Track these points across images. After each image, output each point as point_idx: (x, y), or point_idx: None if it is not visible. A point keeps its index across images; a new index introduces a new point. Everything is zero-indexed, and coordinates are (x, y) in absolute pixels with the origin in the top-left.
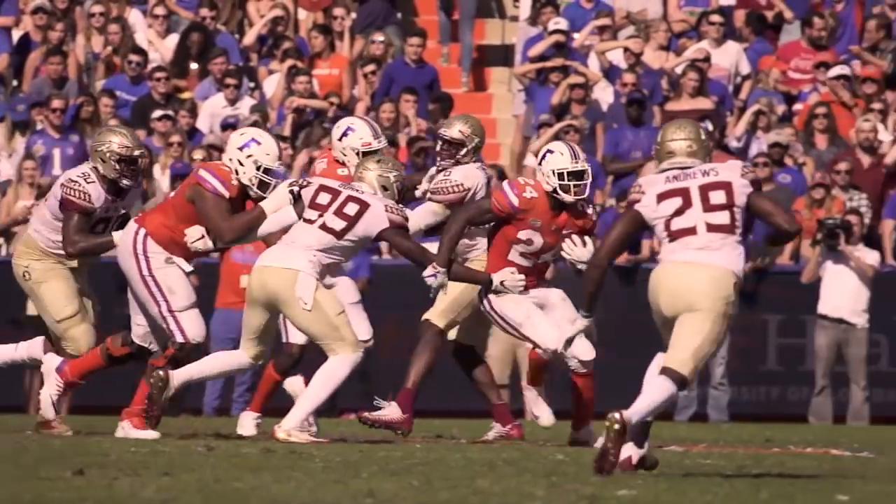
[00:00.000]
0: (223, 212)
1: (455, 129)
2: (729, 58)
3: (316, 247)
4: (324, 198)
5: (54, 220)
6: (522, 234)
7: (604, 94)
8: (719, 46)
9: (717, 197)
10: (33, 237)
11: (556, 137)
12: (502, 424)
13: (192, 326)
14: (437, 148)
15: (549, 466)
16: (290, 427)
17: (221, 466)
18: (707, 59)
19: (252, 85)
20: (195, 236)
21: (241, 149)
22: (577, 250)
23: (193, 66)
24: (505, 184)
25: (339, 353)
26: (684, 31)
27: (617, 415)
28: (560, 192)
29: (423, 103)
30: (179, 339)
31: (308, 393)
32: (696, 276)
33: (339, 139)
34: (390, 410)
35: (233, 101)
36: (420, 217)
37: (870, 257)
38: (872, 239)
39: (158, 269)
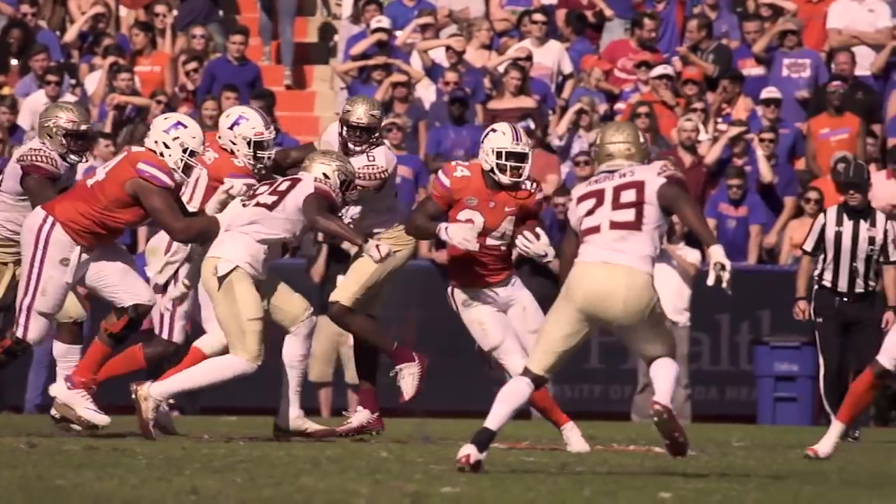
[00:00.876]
0: (173, 207)
1: (367, 115)
2: (551, 57)
3: (247, 221)
4: (262, 188)
5: (14, 203)
6: (462, 216)
7: (426, 93)
8: (542, 45)
9: (628, 195)
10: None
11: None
12: (371, 411)
13: (35, 330)
14: (346, 134)
15: (373, 464)
16: (156, 392)
17: (44, 463)
18: (529, 57)
19: (73, 82)
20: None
21: (166, 132)
22: (533, 246)
23: (14, 62)
24: (439, 171)
25: (236, 356)
26: (506, 29)
27: (659, 406)
28: (497, 171)
29: (244, 100)
30: (20, 334)
31: (188, 373)
32: (616, 287)
33: (230, 128)
34: (358, 416)
35: (54, 98)
36: None
37: (691, 256)
38: (693, 238)
39: (48, 266)
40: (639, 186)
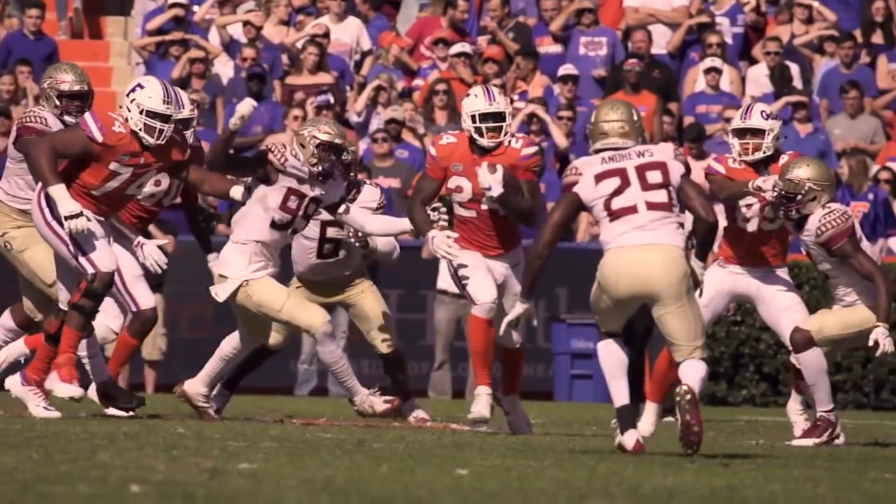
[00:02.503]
0: (60, 137)
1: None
2: (349, 33)
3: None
4: None
5: (20, 172)
6: (451, 183)
7: (224, 69)
8: (340, 22)
9: (654, 177)
10: (7, 203)
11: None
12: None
13: (101, 257)
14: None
15: (170, 440)
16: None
17: None
18: (327, 34)
19: None
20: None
21: (128, 95)
22: (485, 177)
23: None
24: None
25: (312, 335)
26: (304, 6)
27: (685, 386)
28: (475, 135)
29: (39, 75)
30: (90, 269)
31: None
32: (653, 263)
33: (127, 94)
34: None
35: None
36: None
37: None
38: None
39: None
40: (663, 168)
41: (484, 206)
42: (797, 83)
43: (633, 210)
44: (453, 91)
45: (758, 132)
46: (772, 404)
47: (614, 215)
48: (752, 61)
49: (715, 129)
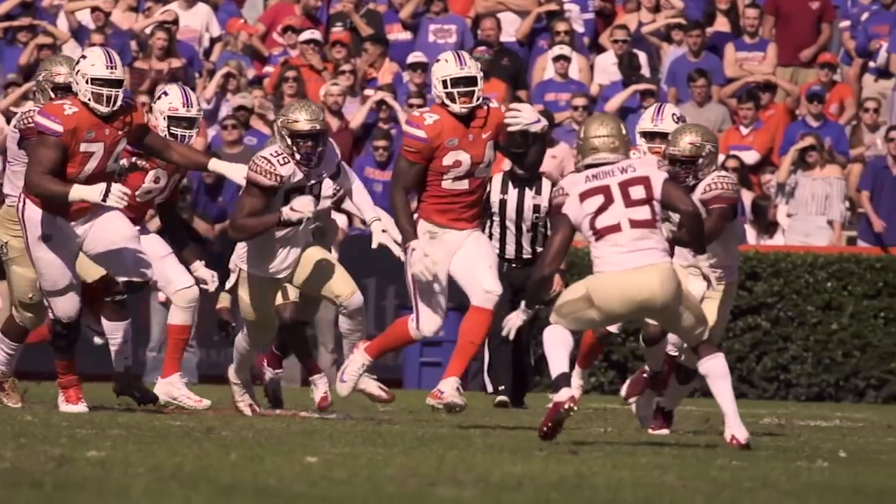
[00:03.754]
0: (40, 158)
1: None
2: (199, 20)
3: None
4: None
5: (19, 168)
6: (447, 160)
7: (73, 55)
8: (190, 8)
9: (637, 192)
10: (11, 206)
11: (25, 97)
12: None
13: (59, 308)
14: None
15: (18, 428)
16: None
17: None
18: (176, 20)
19: None
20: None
21: (73, 68)
22: (521, 115)
23: None
24: (404, 126)
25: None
26: None
27: (736, 444)
28: (447, 101)
29: None
30: (50, 315)
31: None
32: (653, 285)
33: (154, 102)
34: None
35: None
36: None
37: (339, 220)
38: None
39: (32, 247)
40: (646, 183)
41: (478, 174)
42: (645, 71)
43: (616, 228)
44: (303, 78)
45: (472, 80)
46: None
47: (599, 234)
48: (600, 49)
49: (564, 117)
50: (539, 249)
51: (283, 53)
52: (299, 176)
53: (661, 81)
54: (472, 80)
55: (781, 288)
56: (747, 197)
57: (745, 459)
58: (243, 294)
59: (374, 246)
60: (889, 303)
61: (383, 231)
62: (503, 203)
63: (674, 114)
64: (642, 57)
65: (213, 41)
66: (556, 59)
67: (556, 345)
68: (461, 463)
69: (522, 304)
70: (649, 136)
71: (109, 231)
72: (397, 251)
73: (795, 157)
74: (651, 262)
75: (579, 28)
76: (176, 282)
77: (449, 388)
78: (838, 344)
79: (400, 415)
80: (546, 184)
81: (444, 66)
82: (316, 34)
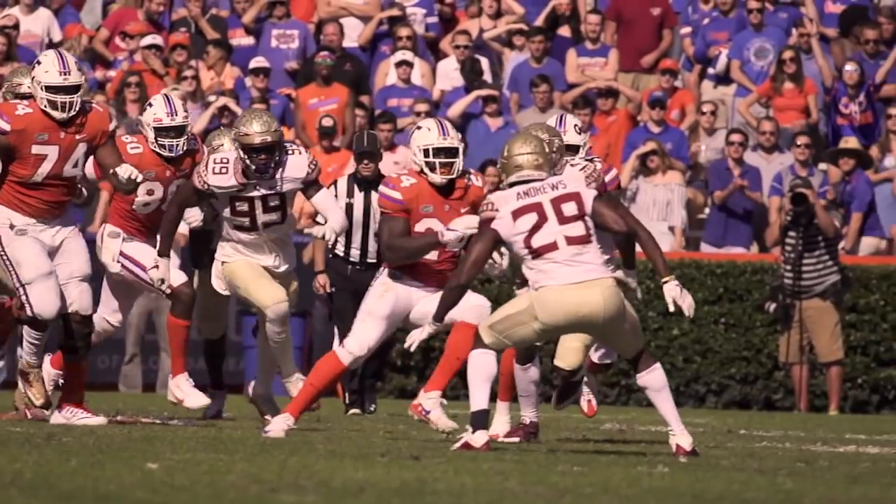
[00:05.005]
0: None
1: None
2: (40, 24)
3: None
4: None
5: None
6: (420, 227)
7: None
8: (31, 13)
9: (570, 209)
10: None
11: None
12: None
13: (39, 301)
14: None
15: None
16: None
17: None
18: (16, 25)
19: None
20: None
21: (32, 77)
22: (498, 267)
23: None
24: (380, 188)
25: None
26: None
27: (683, 453)
28: (427, 170)
29: None
30: (29, 312)
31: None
32: (595, 301)
33: (141, 114)
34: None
35: None
36: None
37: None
38: None
39: (8, 244)
40: (577, 199)
41: (449, 249)
42: (487, 77)
43: (553, 247)
44: (145, 83)
45: (572, 148)
46: (462, 397)
47: (536, 253)
48: (442, 55)
49: (406, 123)
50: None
51: (128, 58)
52: (234, 185)
53: (503, 87)
54: (453, 152)
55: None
56: None
57: (585, 465)
58: (231, 275)
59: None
60: (730, 308)
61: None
62: (349, 206)
63: (576, 125)
64: (484, 62)
65: (54, 46)
66: (399, 64)
67: (481, 377)
68: (303, 469)
69: (430, 315)
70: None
71: (72, 262)
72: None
73: (637, 162)
74: (593, 277)
75: (422, 29)
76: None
77: (433, 405)
78: (679, 349)
79: (242, 421)
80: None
81: (425, 134)
82: (158, 39)
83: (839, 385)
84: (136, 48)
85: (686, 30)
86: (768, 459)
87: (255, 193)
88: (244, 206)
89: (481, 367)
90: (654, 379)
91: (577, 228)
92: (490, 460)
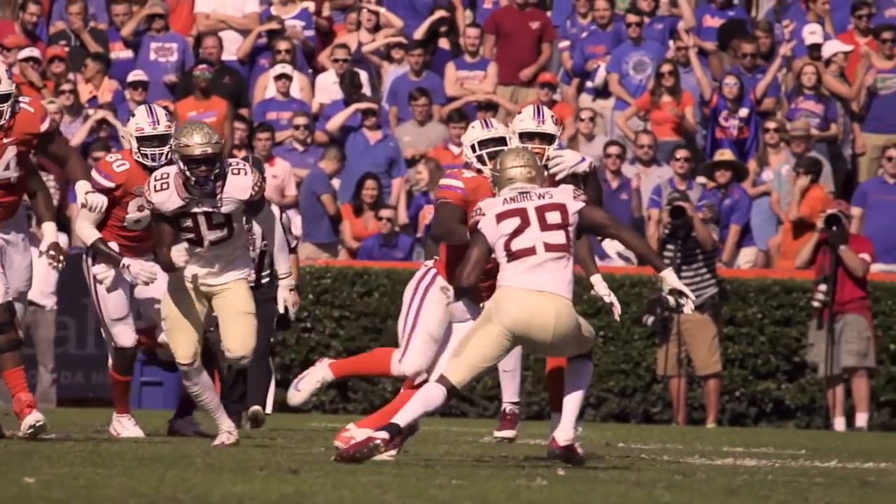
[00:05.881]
0: None
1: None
2: None
3: None
4: None
5: None
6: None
7: None
8: None
9: (553, 217)
10: None
11: None
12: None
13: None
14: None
15: None
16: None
17: None
18: None
19: None
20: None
21: None
22: (564, 160)
23: None
24: (442, 180)
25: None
26: None
27: (556, 447)
28: (478, 164)
29: None
30: None
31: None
32: (545, 314)
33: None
34: None
35: None
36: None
37: (61, 239)
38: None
39: None
40: (562, 209)
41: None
42: (366, 90)
43: (531, 251)
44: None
45: (548, 137)
46: (341, 411)
47: (513, 256)
48: (321, 68)
49: (285, 136)
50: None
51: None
52: (177, 203)
53: (382, 100)
54: (501, 142)
55: None
56: None
57: (464, 478)
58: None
59: (280, 308)
60: (608, 321)
61: (290, 290)
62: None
63: (552, 116)
64: (363, 76)
65: None
66: (278, 77)
67: (421, 404)
68: (181, 483)
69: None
70: (528, 136)
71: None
72: (291, 314)
73: None
74: (554, 291)
75: (300, 41)
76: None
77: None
78: None
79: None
80: (274, 209)
81: (471, 131)
82: (35, 52)
83: (717, 398)
84: (14, 61)
85: (564, 43)
86: (646, 472)
87: (198, 210)
88: (188, 223)
89: (430, 397)
90: (582, 368)
91: (558, 237)
92: (369, 473)
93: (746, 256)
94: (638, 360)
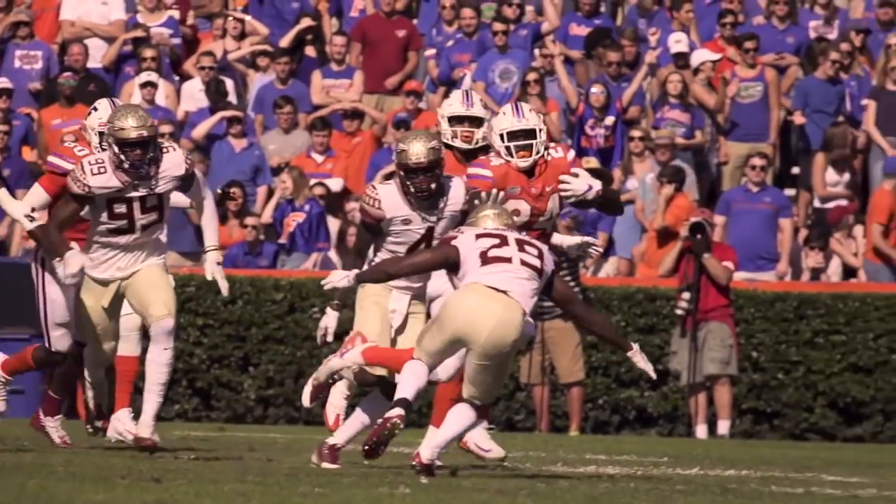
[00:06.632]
0: None
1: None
2: None
3: None
4: None
5: None
6: (507, 207)
7: None
8: None
9: (531, 251)
10: None
11: None
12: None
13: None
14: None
15: None
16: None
17: None
18: None
19: None
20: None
21: None
22: (572, 187)
23: None
24: (470, 169)
25: None
26: None
27: (417, 462)
28: (505, 155)
29: None
30: None
31: None
32: (490, 313)
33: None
34: None
35: None
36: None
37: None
38: None
39: None
40: (541, 254)
41: (536, 228)
42: (232, 98)
43: (507, 261)
44: None
45: (475, 120)
46: (204, 419)
47: (488, 261)
48: (186, 76)
49: None
50: None
51: None
52: (116, 186)
53: (247, 108)
54: (530, 133)
55: None
56: (335, 225)
57: (327, 486)
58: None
59: (208, 277)
60: None
61: (218, 263)
62: None
63: (530, 108)
64: (229, 83)
65: None
66: (143, 85)
67: (411, 377)
68: (42, 491)
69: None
70: (458, 119)
71: None
72: (224, 288)
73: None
74: (512, 295)
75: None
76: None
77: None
78: None
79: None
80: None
81: (501, 119)
82: None
83: (580, 406)
84: None
85: (431, 52)
86: (509, 480)
87: (134, 194)
88: (122, 208)
89: (415, 373)
90: (466, 412)
91: (535, 262)
92: (232, 481)
93: (610, 265)
94: None
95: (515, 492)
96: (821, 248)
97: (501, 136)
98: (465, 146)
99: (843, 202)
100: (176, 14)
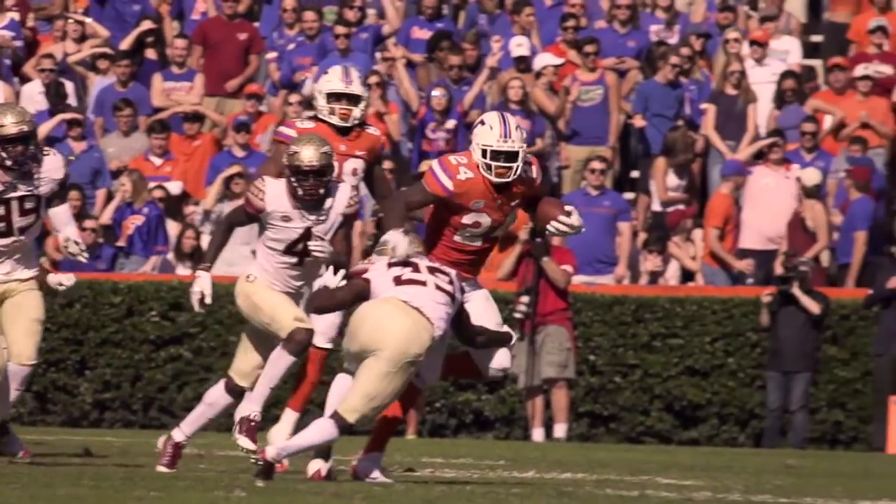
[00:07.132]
0: None
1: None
2: None
3: None
4: None
5: None
6: (467, 219)
7: None
8: None
9: (443, 278)
10: None
11: None
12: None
13: None
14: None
15: None
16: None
17: None
18: None
19: None
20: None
21: None
22: (570, 220)
23: None
24: (435, 164)
25: None
26: None
27: (263, 456)
28: (483, 170)
29: None
30: None
31: None
32: (399, 324)
33: None
34: None
35: None
36: None
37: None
38: None
39: None
40: (451, 280)
41: (492, 235)
42: (72, 100)
43: (423, 284)
44: None
45: (353, 98)
46: (40, 423)
47: (401, 281)
48: (26, 78)
49: None
50: None
51: None
52: None
53: (87, 110)
54: (512, 156)
55: (205, 318)
56: (174, 228)
57: (163, 490)
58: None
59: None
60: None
61: (82, 250)
62: None
63: (517, 125)
64: (69, 86)
65: None
66: None
67: (314, 433)
68: None
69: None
70: (336, 97)
71: None
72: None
73: (222, 186)
74: (425, 312)
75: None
76: None
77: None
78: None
79: None
80: None
81: (487, 132)
82: None
83: (419, 409)
84: None
85: (272, 55)
86: (346, 483)
87: (14, 195)
88: (1, 210)
89: (319, 428)
90: (328, 426)
91: (447, 286)
92: (67, 485)
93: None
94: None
95: (351, 495)
96: (659, 252)
97: (484, 151)
98: (341, 123)
99: (682, 206)
100: (17, 16)
